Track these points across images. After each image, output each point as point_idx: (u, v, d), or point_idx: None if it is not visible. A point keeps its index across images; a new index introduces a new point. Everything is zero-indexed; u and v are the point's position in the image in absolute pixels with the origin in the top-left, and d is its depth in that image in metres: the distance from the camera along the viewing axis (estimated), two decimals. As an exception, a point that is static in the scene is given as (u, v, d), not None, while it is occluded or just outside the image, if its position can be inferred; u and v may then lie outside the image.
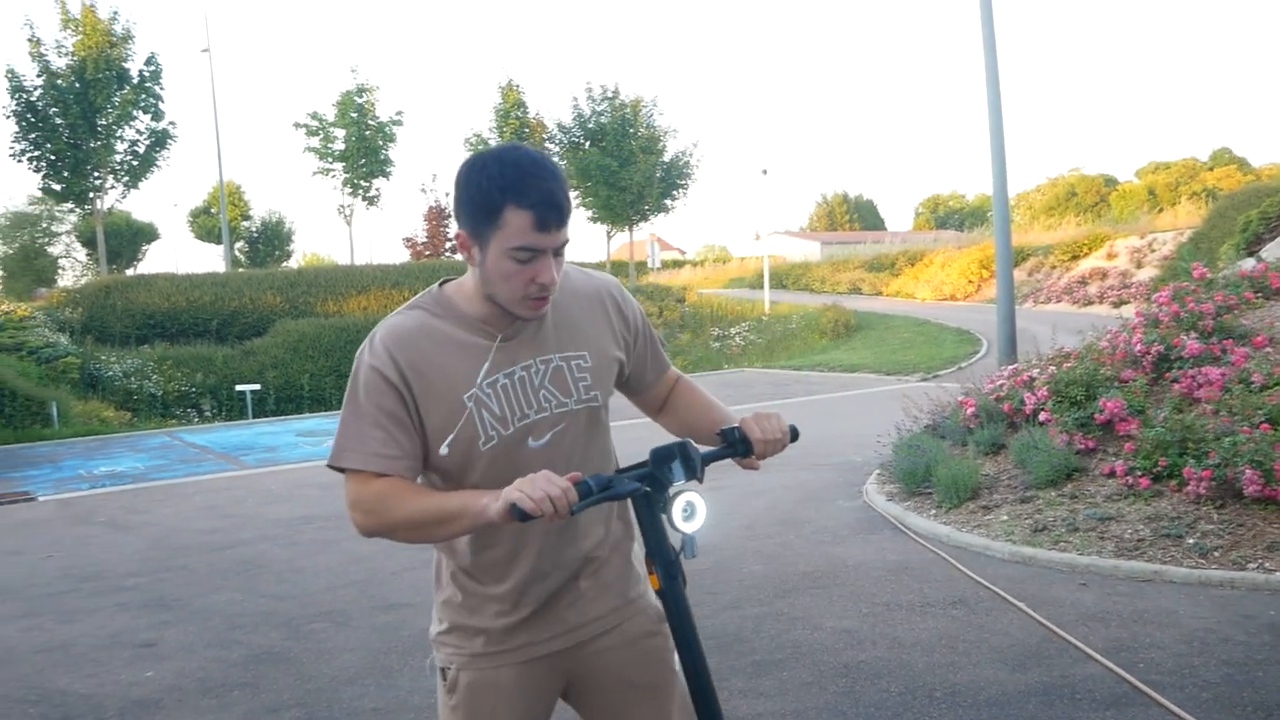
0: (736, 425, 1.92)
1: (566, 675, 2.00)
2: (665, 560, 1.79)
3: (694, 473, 1.79)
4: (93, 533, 8.53)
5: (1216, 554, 5.47)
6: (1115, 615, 4.86)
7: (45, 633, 5.56)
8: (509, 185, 1.70)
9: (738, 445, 1.91)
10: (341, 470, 1.83)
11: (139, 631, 5.49)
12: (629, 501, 1.87)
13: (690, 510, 1.75)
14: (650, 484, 1.78)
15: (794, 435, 1.96)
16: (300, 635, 5.26)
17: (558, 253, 1.78)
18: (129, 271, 43.34)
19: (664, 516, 1.77)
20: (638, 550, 2.02)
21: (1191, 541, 5.62)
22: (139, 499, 10.19)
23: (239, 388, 19.74)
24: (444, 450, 1.83)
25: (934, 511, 7.02)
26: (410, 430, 1.81)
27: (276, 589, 6.26)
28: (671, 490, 1.76)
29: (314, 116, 38.97)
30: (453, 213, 1.84)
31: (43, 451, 14.65)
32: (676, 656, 1.92)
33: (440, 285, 1.94)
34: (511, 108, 41.47)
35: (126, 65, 31.49)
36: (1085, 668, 4.22)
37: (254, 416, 19.37)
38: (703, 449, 1.87)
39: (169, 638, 5.34)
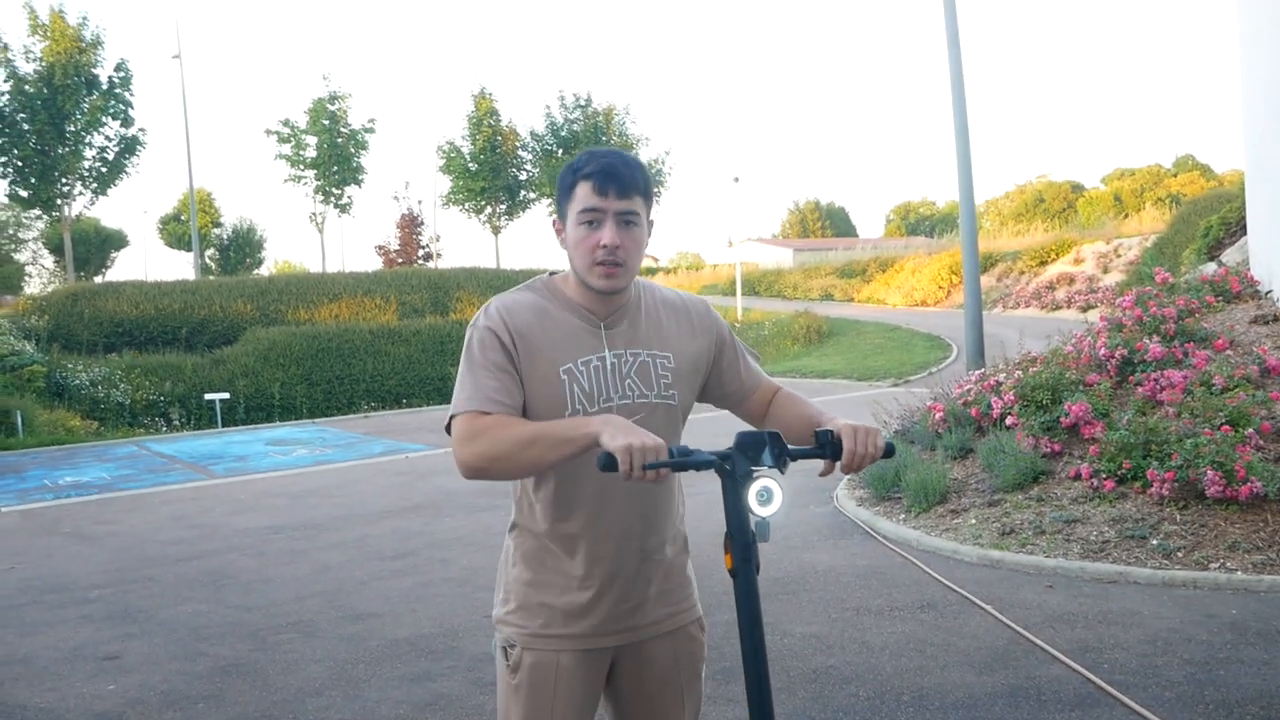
0: (831, 429, 1.97)
1: (614, 665, 2.14)
2: (743, 542, 1.83)
3: (776, 462, 1.86)
4: (56, 544, 8.40)
5: (1180, 554, 5.54)
6: (1081, 616, 4.90)
7: (5, 646, 5.46)
8: (579, 165, 2.02)
9: (827, 448, 1.96)
10: (450, 425, 1.99)
11: (102, 644, 5.41)
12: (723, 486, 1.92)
13: (767, 495, 1.82)
14: (732, 465, 1.84)
15: (888, 452, 2.00)
16: (267, 646, 5.21)
17: (623, 221, 1.98)
18: (97, 279, 42.82)
19: (743, 498, 1.83)
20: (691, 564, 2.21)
21: (1155, 542, 5.69)
22: (105, 509, 10.05)
23: (208, 396, 19.51)
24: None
25: (903, 516, 7.06)
26: (518, 383, 2.00)
27: (243, 600, 6.19)
28: (753, 475, 1.83)
29: (286, 124, 38.80)
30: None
31: (6, 462, 14.42)
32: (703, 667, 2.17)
33: (549, 275, 2.16)
34: (484, 115, 41.41)
35: (96, 71, 31.17)
36: (1051, 669, 4.25)
37: (223, 425, 19.16)
38: (792, 447, 1.94)
39: (133, 650, 5.27)
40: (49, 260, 45.31)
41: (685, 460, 1.80)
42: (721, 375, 2.21)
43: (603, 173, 1.97)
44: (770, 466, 1.86)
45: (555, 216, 2.09)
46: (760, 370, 2.27)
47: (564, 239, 2.06)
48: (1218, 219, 13.97)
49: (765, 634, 1.85)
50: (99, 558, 7.72)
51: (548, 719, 2.06)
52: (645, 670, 2.14)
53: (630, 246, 2.00)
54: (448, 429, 1.99)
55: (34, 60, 30.17)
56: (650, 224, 2.07)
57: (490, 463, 1.90)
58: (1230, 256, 11.52)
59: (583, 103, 41.80)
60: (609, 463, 1.75)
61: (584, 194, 1.98)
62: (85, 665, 5.05)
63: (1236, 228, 12.80)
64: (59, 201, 31.98)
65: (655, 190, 2.07)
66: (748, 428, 2.00)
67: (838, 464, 1.97)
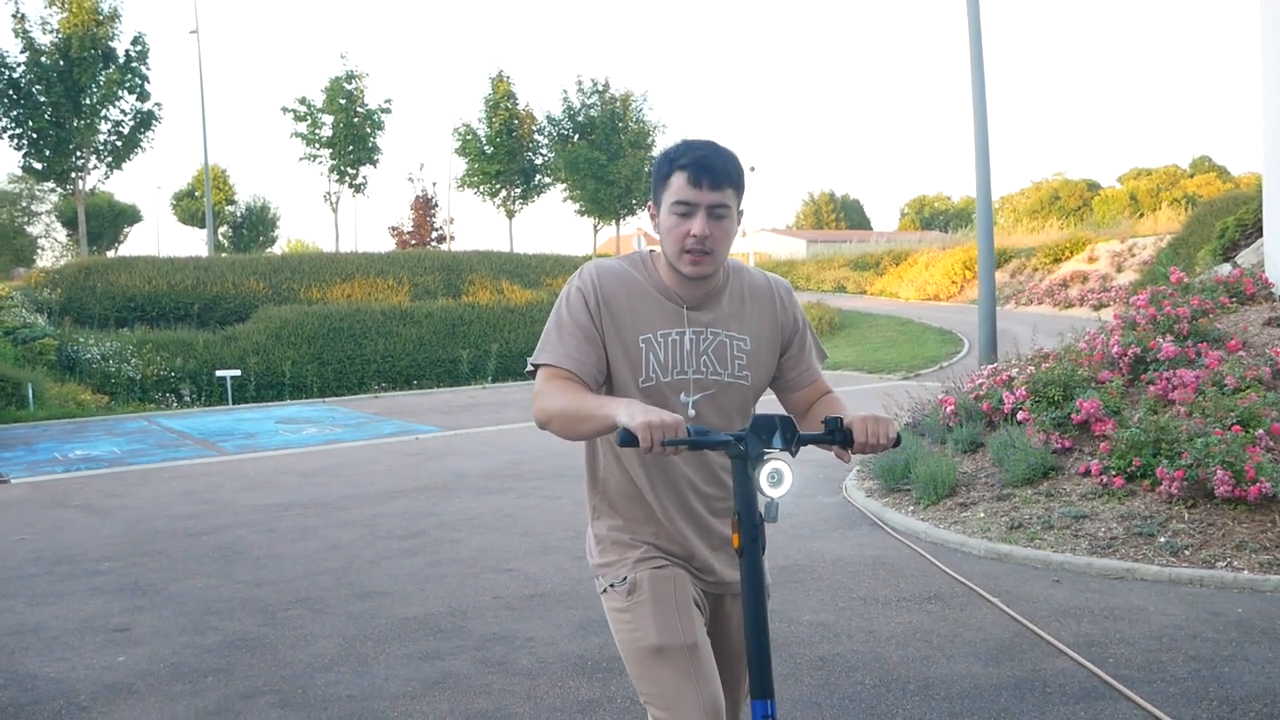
0: (841, 417, 2.02)
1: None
2: (750, 523, 1.89)
3: (788, 445, 1.91)
4: (67, 516, 8.47)
5: (1187, 552, 5.54)
6: (1087, 611, 4.91)
7: (15, 615, 5.51)
8: (676, 155, 2.09)
9: (835, 434, 2.01)
10: (535, 371, 2.13)
11: (112, 616, 5.45)
12: (733, 467, 1.96)
13: (777, 477, 1.87)
14: (746, 447, 1.89)
15: (896, 442, 2.05)
16: (276, 622, 5.24)
17: (714, 214, 2.07)
18: (110, 253, 43.05)
19: (753, 479, 1.88)
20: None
21: (1163, 540, 5.69)
22: (115, 483, 10.12)
23: (219, 373, 19.60)
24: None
25: (912, 508, 7.06)
26: (598, 346, 2.13)
27: (253, 575, 6.23)
28: (765, 457, 1.88)
29: (302, 102, 38.80)
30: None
31: (17, 434, 14.52)
32: None
33: (650, 251, 2.27)
34: (501, 98, 41.37)
35: (113, 44, 31.24)
36: (1057, 662, 4.26)
37: (234, 402, 19.25)
38: (803, 432, 1.99)
39: (143, 622, 5.31)
40: (62, 234, 45.47)
41: (702, 439, 1.87)
42: (783, 362, 2.30)
43: (697, 165, 2.05)
44: (781, 449, 1.90)
45: (650, 201, 2.19)
46: (819, 370, 2.32)
47: (657, 224, 2.16)
48: (1234, 220, 13.88)
49: (773, 620, 1.88)
50: (109, 531, 7.77)
51: (675, 617, 2.11)
52: (719, 626, 2.27)
53: (719, 237, 2.09)
54: (531, 374, 2.14)
55: (51, 32, 30.25)
56: (740, 213, 2.15)
57: (545, 422, 2.04)
58: (1245, 258, 11.45)
59: (600, 88, 41.69)
60: (627, 438, 1.81)
61: (678, 184, 2.07)
62: (95, 636, 5.10)
63: (1252, 230, 12.73)
64: (73, 175, 32.11)
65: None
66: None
67: (849, 451, 2.01)
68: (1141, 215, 40.95)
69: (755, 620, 1.89)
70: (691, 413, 2.17)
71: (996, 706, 3.83)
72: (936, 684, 4.07)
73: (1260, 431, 6.04)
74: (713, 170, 2.05)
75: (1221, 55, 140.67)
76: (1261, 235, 10.51)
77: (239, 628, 5.16)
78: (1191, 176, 65.42)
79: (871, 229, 72.57)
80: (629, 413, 1.82)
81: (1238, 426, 6.08)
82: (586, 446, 2.26)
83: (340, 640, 4.90)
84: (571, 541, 6.74)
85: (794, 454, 1.92)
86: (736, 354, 2.20)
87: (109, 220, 47.05)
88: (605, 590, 2.22)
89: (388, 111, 39.69)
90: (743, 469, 1.89)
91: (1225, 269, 10.24)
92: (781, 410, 2.12)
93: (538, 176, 42.67)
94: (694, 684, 2.04)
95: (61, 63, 30.02)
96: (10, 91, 29.84)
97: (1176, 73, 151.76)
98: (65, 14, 30.24)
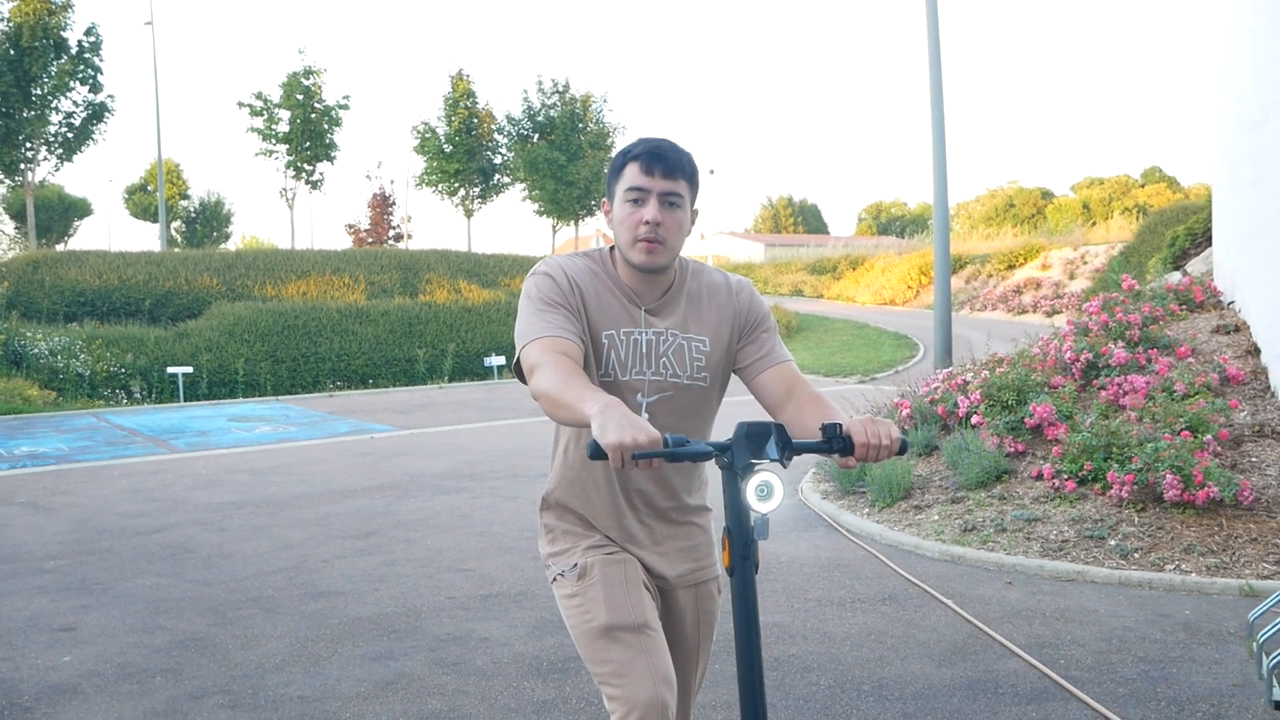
0: (840, 423, 1.91)
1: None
2: (742, 539, 1.78)
3: (779, 455, 1.80)
4: (11, 514, 8.27)
5: (1136, 555, 5.63)
6: (1039, 613, 4.97)
7: (-42, 614, 5.38)
8: (630, 149, 2.11)
9: (835, 442, 1.89)
10: (520, 361, 2.05)
11: (58, 615, 5.33)
12: (723, 479, 1.85)
13: (766, 490, 1.75)
14: (731, 458, 1.78)
15: (902, 448, 1.92)
16: (227, 622, 5.16)
17: (666, 201, 2.07)
18: (59, 247, 42.22)
19: (741, 492, 1.76)
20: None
21: (1113, 543, 5.78)
22: (62, 480, 9.91)
23: (170, 370, 19.24)
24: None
25: (867, 510, 7.12)
26: (579, 317, 2.09)
27: (203, 574, 6.13)
28: (753, 468, 1.76)
29: (259, 97, 38.29)
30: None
31: (-39, 430, 14.17)
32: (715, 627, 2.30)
33: (611, 249, 2.23)
34: (461, 97, 41.19)
35: (65, 34, 30.65)
36: (1009, 663, 4.31)
37: (185, 400, 18.93)
38: (798, 440, 1.88)
39: (89, 622, 5.20)
40: (9, 226, 44.56)
41: (680, 451, 1.73)
42: (742, 348, 2.25)
43: (650, 154, 2.07)
44: (774, 459, 1.79)
45: (605, 198, 2.18)
46: (783, 354, 2.24)
47: (610, 219, 2.16)
48: (1184, 230, 14.18)
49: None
50: (55, 529, 7.61)
51: (626, 599, 2.11)
52: (671, 619, 2.27)
53: (671, 226, 2.08)
54: (517, 365, 2.05)
55: (1, 20, 29.59)
56: (695, 212, 2.13)
57: (536, 397, 1.98)
58: (1195, 267, 11.69)
59: (561, 88, 41.69)
60: (597, 452, 1.70)
61: (631, 173, 2.08)
62: (40, 636, 4.98)
63: (1202, 239, 13.00)
64: (22, 166, 31.45)
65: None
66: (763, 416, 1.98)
67: (851, 458, 1.90)
68: (1094, 224, 41.67)
69: (747, 649, 1.77)
70: (645, 415, 2.13)
71: (949, 707, 3.86)
72: (890, 684, 4.10)
73: (1208, 437, 6.16)
74: (665, 159, 2.06)
75: (1172, 69, 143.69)
76: (1211, 244, 10.74)
77: (188, 627, 5.06)
78: (1143, 186, 66.71)
79: (829, 234, 73.17)
80: (601, 424, 1.70)
81: (1186, 432, 6.20)
82: (555, 429, 2.22)
83: (292, 640, 4.83)
84: (527, 542, 6.71)
85: (785, 465, 1.81)
86: (695, 355, 2.18)
87: (59, 213, 46.17)
88: (556, 578, 2.20)
89: (346, 108, 39.32)
90: (730, 481, 1.77)
91: (1175, 277, 10.44)
92: (768, 418, 2.01)
93: (497, 176, 42.54)
94: (645, 658, 2.03)
95: (11, 52, 29.38)
96: (-43, 80, 29.17)
97: (1128, 85, 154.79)
98: (16, 2, 29.62)
